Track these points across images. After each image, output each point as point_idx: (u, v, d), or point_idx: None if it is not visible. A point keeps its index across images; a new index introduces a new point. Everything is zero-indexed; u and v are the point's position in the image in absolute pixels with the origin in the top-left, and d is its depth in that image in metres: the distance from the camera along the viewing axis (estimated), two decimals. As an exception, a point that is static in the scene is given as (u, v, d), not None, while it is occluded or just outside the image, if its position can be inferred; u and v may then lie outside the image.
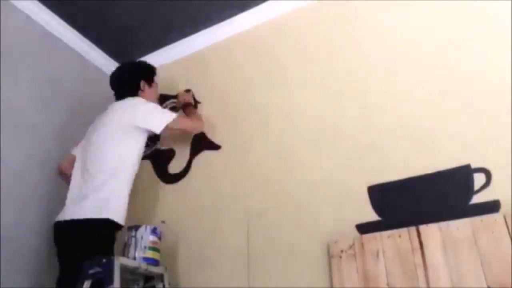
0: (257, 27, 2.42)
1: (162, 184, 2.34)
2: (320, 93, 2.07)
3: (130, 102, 2.07)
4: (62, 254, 1.81)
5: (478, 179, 1.58)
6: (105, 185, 1.85)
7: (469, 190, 1.58)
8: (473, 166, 1.60)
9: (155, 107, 2.09)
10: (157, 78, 2.31)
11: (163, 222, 2.14)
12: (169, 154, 2.39)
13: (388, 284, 1.53)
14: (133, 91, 2.14)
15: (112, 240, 1.83)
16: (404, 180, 1.70)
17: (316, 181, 1.89)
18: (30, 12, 2.36)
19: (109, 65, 2.77)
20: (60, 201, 2.21)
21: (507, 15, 1.75)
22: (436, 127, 1.73)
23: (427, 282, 1.47)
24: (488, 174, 1.57)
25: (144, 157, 2.44)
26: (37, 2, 2.36)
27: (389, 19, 2.04)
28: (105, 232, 1.80)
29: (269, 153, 2.07)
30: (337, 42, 2.13)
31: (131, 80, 2.19)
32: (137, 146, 2.01)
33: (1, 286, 1.81)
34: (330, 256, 1.68)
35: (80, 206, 1.82)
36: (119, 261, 1.65)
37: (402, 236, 1.58)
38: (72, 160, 2.10)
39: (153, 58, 2.70)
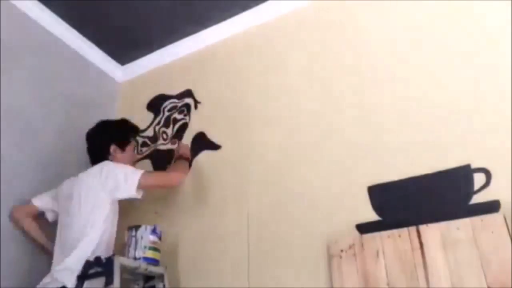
0: (258, 27, 2.42)
1: (162, 184, 2.34)
2: (321, 93, 2.07)
3: (93, 171, 1.91)
4: None
5: (478, 179, 1.58)
6: (77, 254, 1.71)
7: (469, 190, 1.58)
8: (473, 166, 1.60)
9: (118, 172, 1.88)
10: (134, 140, 2.20)
11: (156, 213, 2.14)
12: (169, 154, 2.39)
13: (388, 284, 1.53)
14: (103, 156, 2.00)
15: None
16: (404, 180, 1.70)
17: (316, 181, 1.89)
18: (30, 12, 2.35)
19: (109, 65, 2.77)
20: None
21: (508, 15, 1.74)
22: (436, 127, 1.73)
23: (427, 282, 1.47)
24: (488, 174, 1.57)
25: (144, 157, 2.46)
26: (37, 2, 2.36)
27: (390, 19, 2.04)
28: None
29: (269, 153, 2.07)
30: (338, 42, 2.14)
31: (100, 144, 2.05)
32: (112, 211, 1.86)
33: (1, 286, 1.81)
34: (330, 256, 1.68)
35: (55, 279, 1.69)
36: (119, 261, 1.65)
37: (402, 236, 1.58)
38: (29, 211, 1.98)
39: (153, 58, 2.73)
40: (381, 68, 1.96)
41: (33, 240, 1.99)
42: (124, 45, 2.67)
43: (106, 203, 1.83)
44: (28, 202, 2.00)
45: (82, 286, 1.61)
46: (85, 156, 2.14)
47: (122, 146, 2.07)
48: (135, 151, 2.26)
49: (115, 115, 2.75)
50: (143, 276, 1.85)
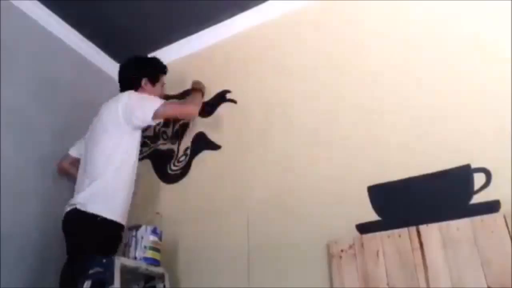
0: (257, 27, 2.42)
1: (162, 184, 2.34)
2: (321, 93, 2.06)
3: (119, 97, 2.03)
4: (66, 243, 1.83)
5: (478, 179, 1.58)
6: (100, 178, 1.84)
7: (469, 190, 1.58)
8: (473, 166, 1.60)
9: (140, 99, 2.02)
10: (165, 78, 2.29)
11: (157, 213, 2.14)
12: (169, 154, 2.39)
13: (388, 284, 1.53)
14: (133, 87, 2.11)
15: (110, 238, 1.82)
16: (404, 180, 1.70)
17: (316, 181, 1.89)
18: (30, 12, 2.36)
19: (109, 65, 2.77)
20: (59, 200, 2.21)
21: (508, 15, 1.74)
22: (436, 127, 1.73)
23: (427, 282, 1.47)
24: (488, 174, 1.57)
25: (144, 157, 2.45)
26: (37, 2, 2.36)
27: (391, 19, 2.04)
28: (102, 230, 1.78)
29: (269, 153, 2.07)
30: (339, 42, 2.13)
31: (133, 75, 2.17)
32: (131, 141, 1.97)
33: (1, 286, 1.81)
34: (330, 256, 1.68)
35: (79, 197, 1.84)
36: (119, 261, 1.65)
37: (402, 236, 1.58)
38: (71, 160, 2.14)
39: (153, 58, 2.72)
40: (382, 68, 1.96)
41: None
42: (124, 45, 2.66)
43: (126, 131, 1.94)
44: (28, 202, 2.00)
45: (83, 286, 1.61)
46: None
47: (153, 81, 2.18)
48: (163, 90, 2.33)
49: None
50: (143, 276, 1.85)
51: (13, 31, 2.23)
